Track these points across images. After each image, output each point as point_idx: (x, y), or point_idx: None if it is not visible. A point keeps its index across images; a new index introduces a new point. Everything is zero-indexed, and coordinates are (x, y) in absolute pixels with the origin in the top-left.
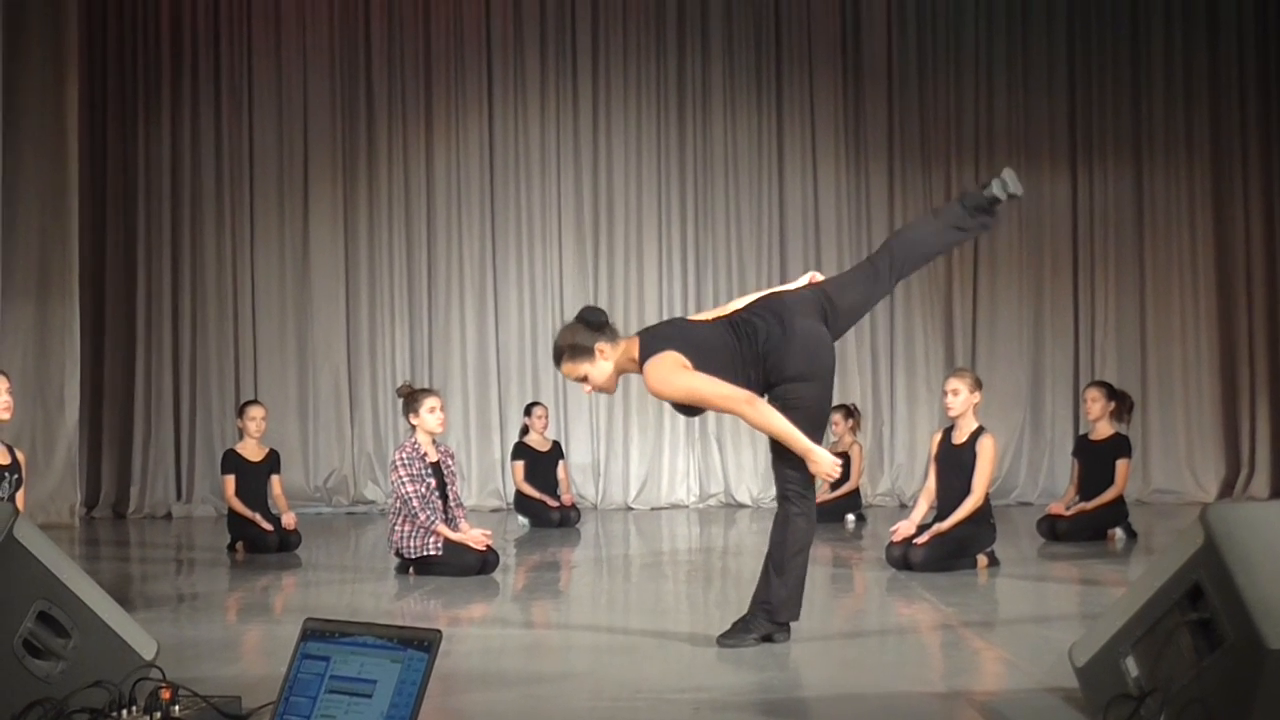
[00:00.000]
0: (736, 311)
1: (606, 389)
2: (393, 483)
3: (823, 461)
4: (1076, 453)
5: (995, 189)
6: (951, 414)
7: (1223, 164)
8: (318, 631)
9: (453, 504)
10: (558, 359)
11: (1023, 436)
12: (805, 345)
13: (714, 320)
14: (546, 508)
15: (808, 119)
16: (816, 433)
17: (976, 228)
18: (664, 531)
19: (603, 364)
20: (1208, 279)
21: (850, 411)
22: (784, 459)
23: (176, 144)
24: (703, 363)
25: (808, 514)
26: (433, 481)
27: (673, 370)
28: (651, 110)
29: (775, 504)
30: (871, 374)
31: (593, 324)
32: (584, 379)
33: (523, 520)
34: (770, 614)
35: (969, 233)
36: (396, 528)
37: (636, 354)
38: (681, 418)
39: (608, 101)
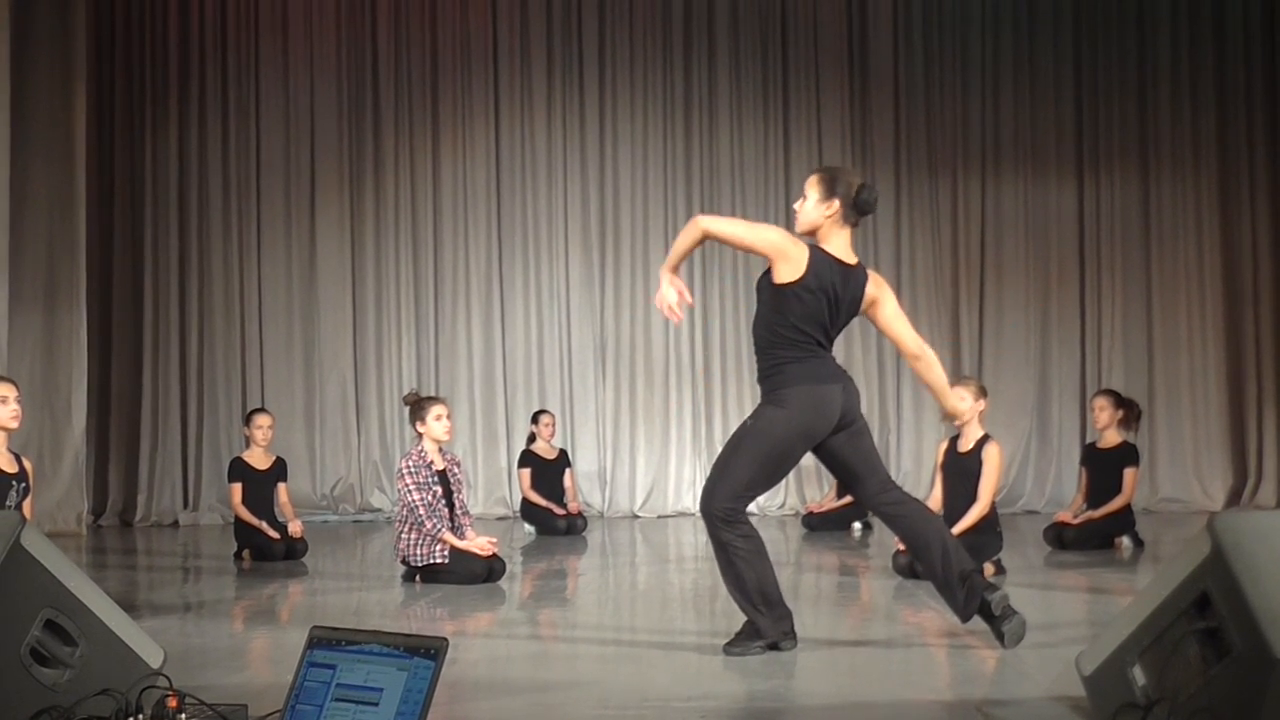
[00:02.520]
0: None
1: (802, 220)
2: (399, 491)
3: (662, 291)
4: (1084, 461)
5: (995, 603)
6: (956, 422)
7: (1229, 173)
8: (324, 639)
9: (459, 512)
10: (821, 169)
11: (1030, 444)
12: (816, 395)
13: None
14: (553, 515)
15: (814, 128)
16: (761, 480)
17: (950, 596)
18: (670, 539)
19: (822, 212)
20: (1214, 288)
21: None
22: (714, 481)
23: (184, 153)
24: (810, 282)
25: (745, 534)
26: (439, 489)
27: (751, 229)
28: (658, 119)
29: (742, 527)
30: (878, 382)
31: (858, 200)
32: (804, 198)
33: (529, 528)
34: (763, 636)
35: (940, 588)
36: (403, 536)
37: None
38: (688, 425)
39: (614, 111)
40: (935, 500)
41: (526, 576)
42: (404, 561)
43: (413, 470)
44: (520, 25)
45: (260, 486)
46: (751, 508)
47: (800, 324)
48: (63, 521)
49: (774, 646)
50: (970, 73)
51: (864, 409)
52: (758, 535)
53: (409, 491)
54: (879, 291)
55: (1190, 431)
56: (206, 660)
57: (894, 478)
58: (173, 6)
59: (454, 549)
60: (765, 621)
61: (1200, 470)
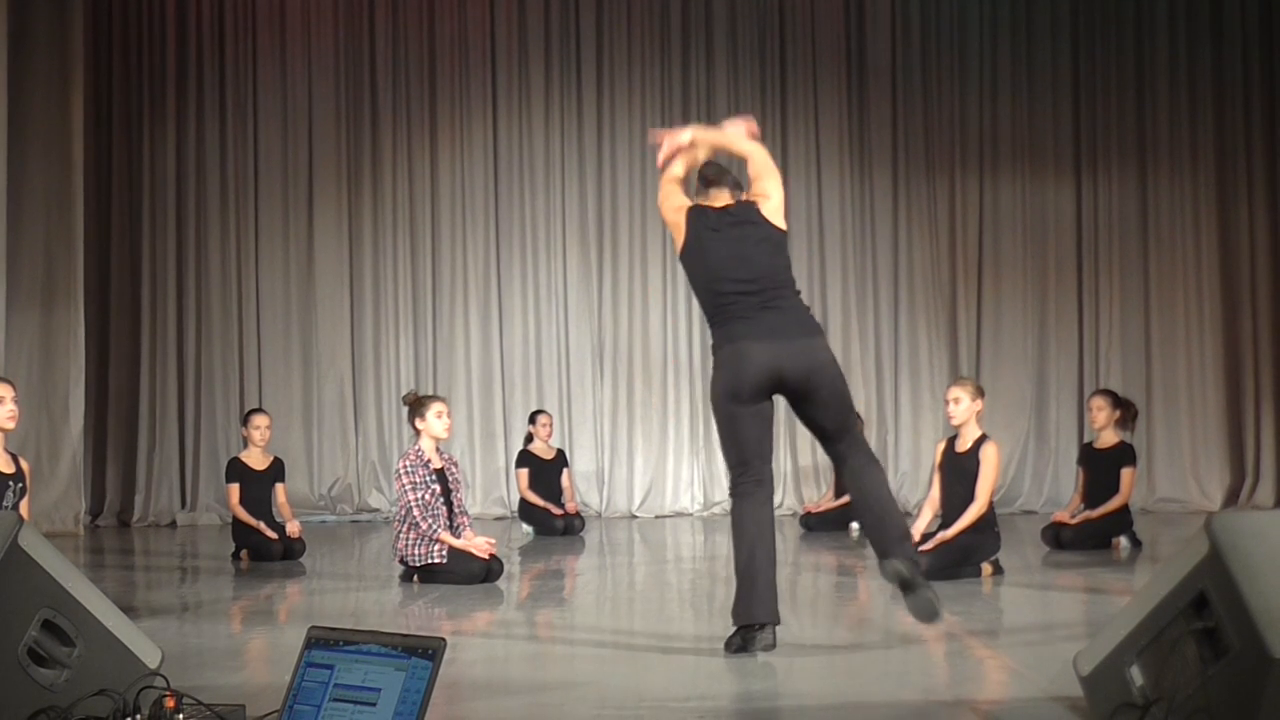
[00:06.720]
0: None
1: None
2: (397, 491)
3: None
4: (1081, 461)
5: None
6: (954, 422)
7: (1227, 171)
8: (322, 640)
9: (457, 511)
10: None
11: (1027, 444)
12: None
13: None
14: (550, 516)
15: (812, 127)
16: (726, 442)
17: (879, 551)
18: (668, 539)
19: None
20: (1212, 287)
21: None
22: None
23: (181, 152)
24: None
25: (737, 509)
26: (437, 488)
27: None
28: (656, 118)
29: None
30: (876, 382)
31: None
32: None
33: (527, 528)
34: (732, 619)
35: (873, 541)
36: (401, 535)
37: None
38: (686, 425)
39: (612, 109)
40: (933, 500)
41: (524, 577)
42: (402, 561)
43: (410, 470)
44: (518, 24)
45: (258, 487)
46: None
47: None
48: (60, 522)
49: (743, 648)
50: (968, 72)
51: (862, 409)
52: (747, 517)
53: (406, 491)
54: None
55: (1188, 431)
56: (204, 660)
57: (892, 478)
58: (170, 5)
59: (452, 549)
60: (734, 600)
61: (1198, 470)
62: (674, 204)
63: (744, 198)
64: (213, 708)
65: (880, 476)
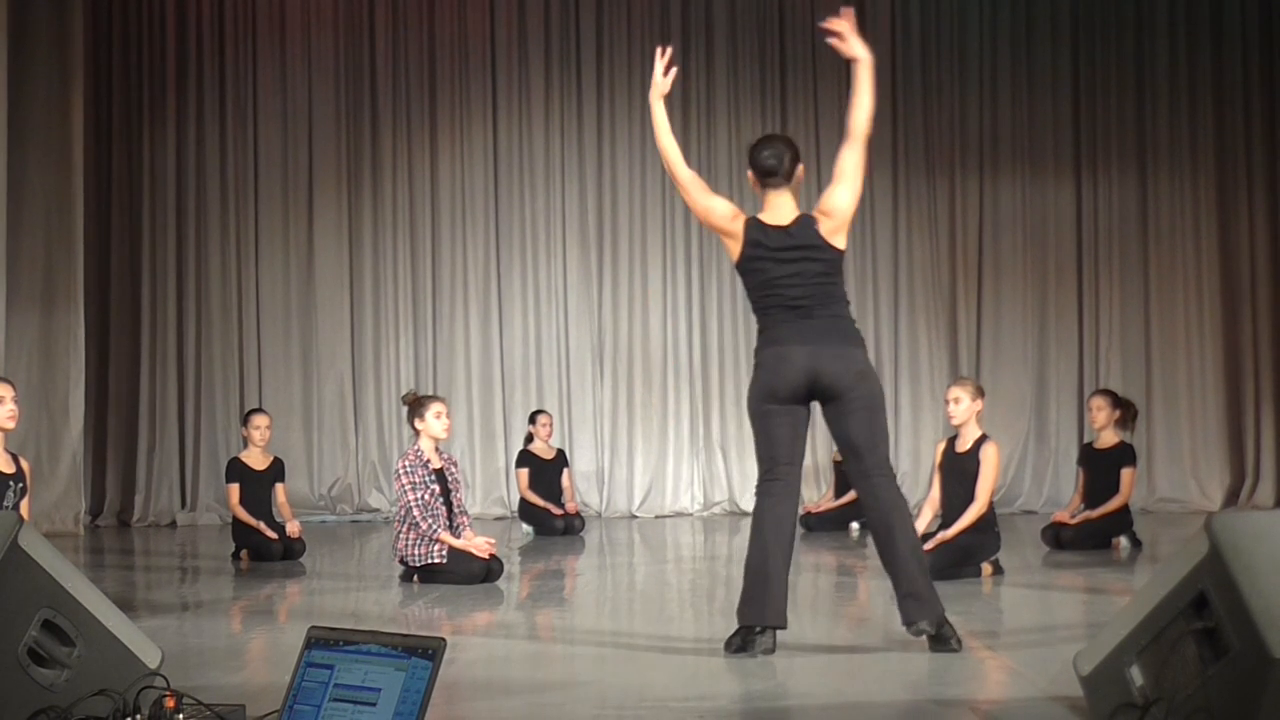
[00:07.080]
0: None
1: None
2: (396, 491)
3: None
4: (1081, 461)
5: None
6: (954, 422)
7: (1227, 172)
8: (322, 640)
9: (457, 511)
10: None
11: (1027, 445)
12: (787, 361)
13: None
14: (551, 516)
15: (812, 128)
16: (758, 441)
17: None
18: (668, 539)
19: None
20: (1212, 287)
21: None
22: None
23: (181, 153)
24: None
25: (757, 506)
26: (436, 488)
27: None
28: None
29: None
30: None
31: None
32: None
33: (527, 528)
34: (737, 620)
35: (896, 581)
36: (401, 535)
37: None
38: (685, 425)
39: (612, 110)
40: (934, 500)
41: (524, 577)
42: (402, 561)
43: (409, 470)
44: (518, 25)
45: (258, 487)
46: (750, 506)
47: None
48: (60, 522)
49: (742, 649)
50: (968, 72)
51: None
52: (766, 516)
53: (406, 491)
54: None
55: (1188, 431)
56: (204, 660)
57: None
58: (170, 7)
59: (452, 549)
60: (744, 599)
61: (1198, 470)
62: (722, 211)
63: (805, 214)
64: (213, 708)
65: (911, 525)
